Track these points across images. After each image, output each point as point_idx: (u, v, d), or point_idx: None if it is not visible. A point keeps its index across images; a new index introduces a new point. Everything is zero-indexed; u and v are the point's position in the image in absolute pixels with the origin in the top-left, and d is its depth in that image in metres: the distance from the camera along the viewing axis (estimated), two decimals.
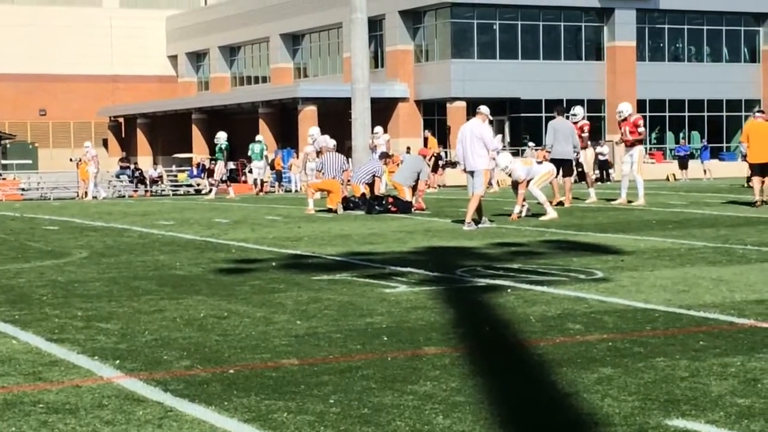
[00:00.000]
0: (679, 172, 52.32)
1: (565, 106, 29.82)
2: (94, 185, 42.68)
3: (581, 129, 27.29)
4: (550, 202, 22.27)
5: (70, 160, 58.40)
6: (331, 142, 27.42)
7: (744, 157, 27.49)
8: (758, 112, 26.81)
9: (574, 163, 26.60)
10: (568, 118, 28.01)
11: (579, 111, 28.52)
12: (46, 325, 9.48)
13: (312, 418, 6.20)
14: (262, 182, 43.08)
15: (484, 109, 20.38)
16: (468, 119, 23.83)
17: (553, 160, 24.34)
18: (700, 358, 7.69)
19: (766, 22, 65.55)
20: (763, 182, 24.12)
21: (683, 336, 8.59)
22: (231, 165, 39.46)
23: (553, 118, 27.26)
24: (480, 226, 19.47)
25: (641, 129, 25.81)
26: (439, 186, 42.03)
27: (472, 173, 19.76)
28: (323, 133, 32.79)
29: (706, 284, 11.52)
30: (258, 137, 45.70)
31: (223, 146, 37.72)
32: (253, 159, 42.98)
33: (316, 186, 26.13)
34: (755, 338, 8.47)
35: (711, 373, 7.21)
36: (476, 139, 19.68)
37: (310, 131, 29.96)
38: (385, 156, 30.82)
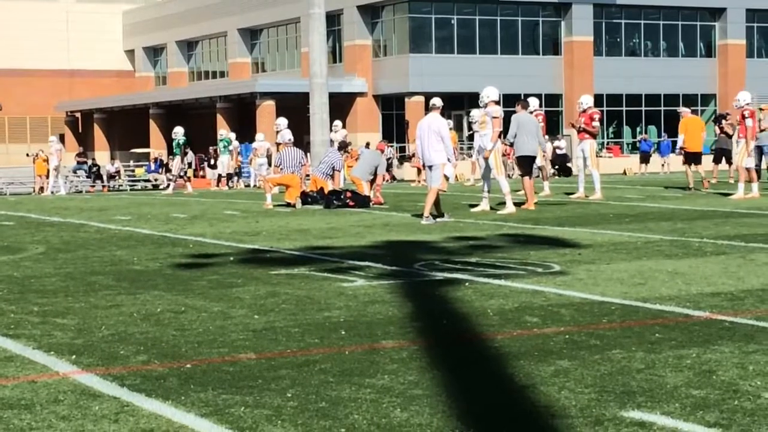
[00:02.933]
0: (637, 166, 52.56)
1: (522, 99, 29.72)
2: (55, 180, 42.45)
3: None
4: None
5: (27, 155, 58.01)
6: (289, 137, 27.35)
7: (681, 148, 29.72)
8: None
9: (534, 162, 24.77)
10: (532, 112, 27.56)
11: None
12: (2, 320, 9.42)
13: (269, 412, 6.19)
14: (223, 177, 42.99)
15: (437, 101, 20.49)
16: (426, 114, 23.71)
17: (522, 157, 23.27)
18: (656, 351, 7.74)
19: (722, 18, 66.00)
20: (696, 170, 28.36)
21: (639, 328, 8.64)
22: (189, 158, 39.35)
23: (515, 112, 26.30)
24: (438, 220, 19.51)
25: (596, 123, 25.91)
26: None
27: (430, 167, 19.82)
28: None
29: (662, 277, 11.59)
30: (222, 132, 45.68)
31: (181, 141, 37.63)
32: (220, 153, 43.00)
33: (275, 181, 26.08)
34: (710, 330, 8.53)
35: (666, 365, 7.25)
36: (433, 133, 19.72)
37: (277, 121, 29.93)
38: (343, 146, 30.78)
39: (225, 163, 42.93)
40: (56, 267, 13.49)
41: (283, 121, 29.98)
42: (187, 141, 38.89)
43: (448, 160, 19.84)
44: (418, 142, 20.21)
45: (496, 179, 21.94)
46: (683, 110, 30.14)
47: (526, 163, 23.32)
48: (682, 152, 29.48)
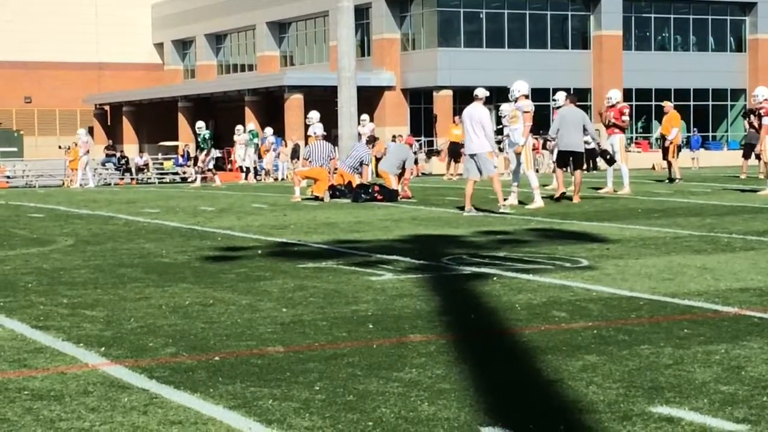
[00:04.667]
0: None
1: (551, 94, 29.62)
2: (83, 173, 42.64)
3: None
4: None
5: (59, 147, 58.26)
6: (320, 131, 27.40)
7: (664, 140, 30.89)
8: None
9: (584, 155, 24.50)
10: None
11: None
12: (32, 312, 9.47)
13: (297, 405, 6.20)
14: (248, 170, 43.10)
15: (479, 92, 20.57)
16: (460, 107, 23.60)
17: (561, 152, 23.16)
18: (685, 346, 7.72)
19: (752, 12, 65.63)
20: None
21: (668, 324, 8.62)
22: (217, 153, 39.46)
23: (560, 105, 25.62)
24: (474, 212, 19.59)
25: (625, 118, 25.87)
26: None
27: (472, 156, 19.98)
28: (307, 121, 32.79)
29: (691, 272, 11.55)
30: (249, 125, 45.84)
31: (207, 136, 37.76)
32: (248, 146, 43.17)
33: (303, 174, 26.12)
34: (739, 326, 8.50)
35: (695, 361, 7.23)
36: (476, 123, 19.85)
37: (310, 114, 30.07)
38: (372, 140, 30.78)
39: (252, 156, 43.02)
40: (85, 259, 13.55)
41: (315, 115, 30.06)
42: (212, 134, 38.94)
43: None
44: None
45: (525, 174, 21.94)
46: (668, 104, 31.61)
47: (574, 158, 23.02)
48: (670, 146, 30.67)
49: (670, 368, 7.03)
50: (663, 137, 31.05)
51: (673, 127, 30.37)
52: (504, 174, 33.36)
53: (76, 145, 45.10)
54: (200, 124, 38.86)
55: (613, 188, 25.46)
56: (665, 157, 30.88)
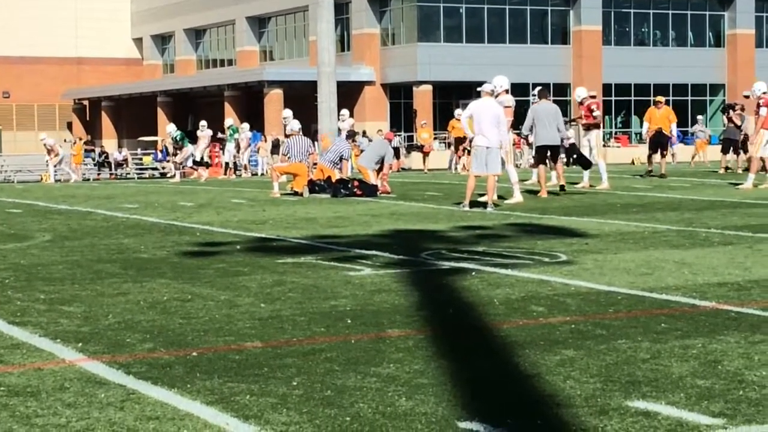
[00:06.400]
0: (646, 156, 52.40)
1: (531, 89, 29.66)
2: (54, 169, 42.75)
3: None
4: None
5: (65, 141, 58.40)
6: (297, 126, 27.36)
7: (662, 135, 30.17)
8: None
9: (560, 148, 24.51)
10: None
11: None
12: (9, 308, 9.43)
13: (275, 400, 6.20)
14: (227, 165, 43.08)
15: (486, 87, 20.56)
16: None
17: (539, 148, 23.45)
18: (662, 340, 7.74)
19: (731, 7, 65.83)
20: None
21: (645, 318, 8.64)
22: (192, 149, 39.52)
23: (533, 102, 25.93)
24: (471, 208, 19.63)
25: (595, 113, 25.91)
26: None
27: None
28: None
29: (669, 267, 11.59)
30: (228, 120, 45.81)
31: (178, 137, 38.01)
32: (227, 142, 43.20)
33: (282, 169, 26.08)
34: (716, 320, 8.53)
35: (672, 355, 7.25)
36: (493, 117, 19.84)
37: (284, 113, 30.12)
38: (352, 135, 30.77)
39: (231, 151, 42.98)
40: (63, 255, 13.51)
41: (288, 113, 30.09)
42: (183, 135, 39.03)
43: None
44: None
45: (506, 169, 21.93)
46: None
47: (552, 152, 23.58)
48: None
49: (647, 362, 7.05)
50: (659, 132, 29.67)
51: (671, 122, 29.98)
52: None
53: (80, 139, 45.36)
54: (170, 128, 39.49)
55: (590, 183, 25.52)
56: (662, 152, 30.37)
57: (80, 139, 45.60)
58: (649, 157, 30.67)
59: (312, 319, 8.77)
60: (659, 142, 29.92)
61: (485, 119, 19.73)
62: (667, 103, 32.20)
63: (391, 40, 62.34)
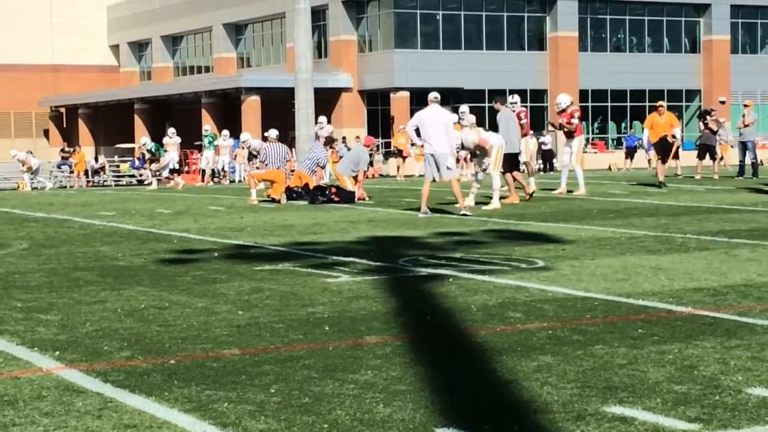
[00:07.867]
0: (622, 161, 52.58)
1: (508, 95, 29.69)
2: (31, 178, 42.85)
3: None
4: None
5: (64, 149, 58.46)
6: (273, 133, 27.35)
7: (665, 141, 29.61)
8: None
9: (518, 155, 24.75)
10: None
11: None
12: None
13: (253, 407, 6.20)
14: (204, 172, 43.07)
15: (435, 95, 20.69)
16: (417, 108, 23.63)
17: (507, 155, 23.16)
18: (639, 346, 7.77)
19: (706, 13, 66.09)
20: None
21: (622, 324, 8.68)
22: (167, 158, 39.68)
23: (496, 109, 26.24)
24: (430, 214, 19.68)
25: (574, 121, 25.96)
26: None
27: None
28: (267, 123, 32.87)
29: (645, 273, 11.63)
30: (206, 127, 45.83)
31: (152, 148, 38.20)
32: (205, 149, 43.27)
33: (260, 176, 26.07)
34: (693, 326, 8.57)
35: (649, 361, 7.28)
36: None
37: (243, 137, 30.45)
38: (330, 141, 30.77)
39: (209, 158, 42.98)
40: (40, 263, 13.47)
41: (248, 136, 30.18)
42: (157, 146, 39.25)
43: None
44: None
45: (491, 174, 22.03)
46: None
47: (513, 159, 23.65)
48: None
49: (623, 368, 7.08)
50: (663, 139, 28.82)
51: (674, 127, 29.72)
52: (464, 175, 33.35)
53: (80, 148, 45.69)
54: (144, 140, 39.95)
55: (567, 189, 25.60)
56: (674, 157, 29.88)
57: (79, 147, 45.94)
58: (660, 164, 29.32)
59: (290, 326, 8.78)
60: (666, 149, 29.37)
61: (432, 127, 19.92)
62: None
63: (368, 46, 62.36)
